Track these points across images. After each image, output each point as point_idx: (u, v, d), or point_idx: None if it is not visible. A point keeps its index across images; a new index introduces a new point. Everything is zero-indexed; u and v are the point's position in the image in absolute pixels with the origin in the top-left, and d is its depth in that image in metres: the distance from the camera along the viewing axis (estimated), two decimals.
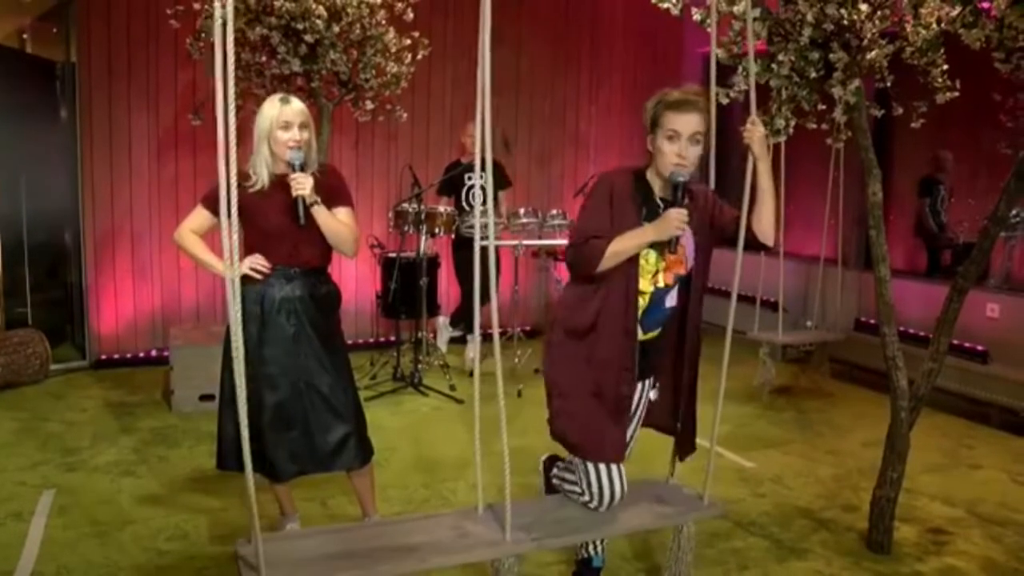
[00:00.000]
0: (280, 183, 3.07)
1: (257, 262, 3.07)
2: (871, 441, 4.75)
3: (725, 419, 5.29)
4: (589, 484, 2.75)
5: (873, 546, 3.57)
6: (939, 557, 3.54)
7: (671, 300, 2.83)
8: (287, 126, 3.05)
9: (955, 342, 5.12)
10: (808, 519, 3.89)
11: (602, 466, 2.73)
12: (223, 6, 1.86)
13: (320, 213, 3.05)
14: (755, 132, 2.66)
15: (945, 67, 3.20)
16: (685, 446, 3.06)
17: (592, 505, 2.77)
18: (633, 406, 2.91)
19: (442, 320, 6.65)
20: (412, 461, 4.50)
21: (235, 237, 2.00)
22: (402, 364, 5.97)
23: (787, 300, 6.08)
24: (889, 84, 3.40)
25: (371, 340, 6.95)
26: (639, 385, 2.90)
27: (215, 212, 3.10)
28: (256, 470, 3.14)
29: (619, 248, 2.62)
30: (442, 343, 6.62)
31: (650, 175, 2.76)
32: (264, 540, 2.23)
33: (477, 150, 2.39)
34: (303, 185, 2.99)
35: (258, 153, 3.11)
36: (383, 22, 4.81)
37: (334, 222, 3.11)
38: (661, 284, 2.77)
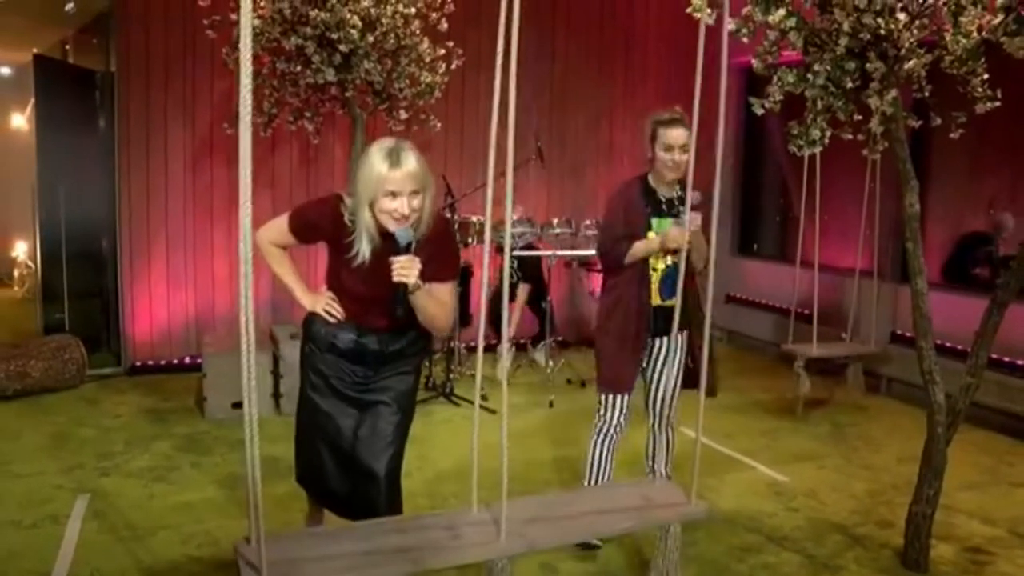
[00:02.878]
0: (379, 248, 2.63)
1: (332, 307, 2.75)
2: (907, 456, 4.67)
3: (758, 432, 5.28)
4: (604, 410, 3.63)
5: (909, 564, 3.50)
6: None
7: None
8: (395, 195, 2.52)
9: (994, 356, 5.02)
10: (842, 534, 3.83)
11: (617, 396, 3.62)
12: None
13: (419, 299, 2.60)
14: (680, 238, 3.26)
15: (985, 76, 3.14)
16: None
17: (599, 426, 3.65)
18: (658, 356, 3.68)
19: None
20: (443, 471, 4.49)
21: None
22: (434, 374, 5.98)
23: (821, 312, 6.01)
24: (927, 94, 3.34)
25: None
26: (666, 339, 3.62)
27: (297, 235, 2.79)
28: (320, 500, 3.06)
29: (636, 251, 3.47)
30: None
31: (651, 179, 3.57)
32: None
33: (508, 160, 2.38)
34: (408, 274, 2.52)
35: (359, 217, 2.59)
36: (417, 32, 4.84)
37: (432, 306, 2.66)
38: (669, 262, 3.54)
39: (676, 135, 3.40)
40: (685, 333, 3.65)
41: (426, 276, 2.60)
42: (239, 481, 4.26)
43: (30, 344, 5.83)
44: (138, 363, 6.30)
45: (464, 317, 6.21)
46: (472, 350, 6.75)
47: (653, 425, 3.75)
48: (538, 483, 4.21)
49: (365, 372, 2.85)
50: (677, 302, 3.12)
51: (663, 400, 3.67)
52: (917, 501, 3.48)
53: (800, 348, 5.80)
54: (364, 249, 2.60)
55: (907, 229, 3.38)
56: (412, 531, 2.59)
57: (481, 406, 5.86)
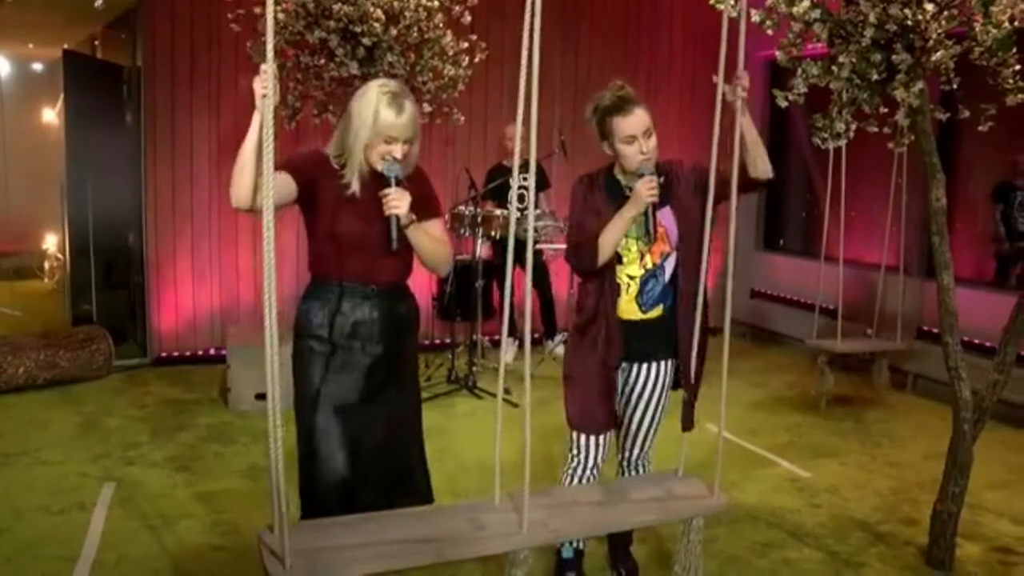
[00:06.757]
0: (368, 185, 2.62)
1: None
2: (932, 453, 4.62)
3: (782, 428, 5.25)
4: (577, 450, 3.09)
5: (933, 563, 3.46)
6: None
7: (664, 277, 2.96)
8: (393, 140, 2.56)
9: (1022, 353, 4.95)
10: (865, 532, 3.80)
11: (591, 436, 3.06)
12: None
13: (415, 234, 2.62)
14: (738, 91, 2.61)
15: (1017, 67, 3.09)
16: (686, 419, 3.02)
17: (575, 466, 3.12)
18: (632, 386, 3.06)
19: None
20: (466, 464, 4.51)
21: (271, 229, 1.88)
22: (457, 366, 6.00)
23: (846, 308, 5.95)
24: (955, 86, 3.29)
25: (426, 342, 6.98)
26: (645, 366, 3.03)
27: (284, 168, 2.61)
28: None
29: (606, 239, 2.80)
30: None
31: (617, 172, 2.96)
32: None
33: (517, 152, 2.34)
34: (400, 204, 2.53)
35: (351, 151, 2.59)
36: (440, 25, 4.83)
37: (427, 241, 2.68)
38: (649, 265, 2.92)
39: (635, 122, 2.78)
40: (671, 361, 3.02)
41: (420, 218, 2.66)
42: (262, 472, 4.30)
43: (59, 335, 5.92)
44: (163, 354, 6.37)
45: (487, 310, 6.21)
46: (495, 343, 6.77)
47: (622, 462, 3.22)
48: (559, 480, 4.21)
49: (374, 353, 2.68)
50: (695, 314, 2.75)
51: (634, 438, 3.13)
52: (942, 499, 3.44)
53: (825, 344, 5.76)
54: (355, 182, 2.60)
55: (933, 223, 3.34)
56: (435, 521, 2.59)
57: (504, 399, 5.86)
